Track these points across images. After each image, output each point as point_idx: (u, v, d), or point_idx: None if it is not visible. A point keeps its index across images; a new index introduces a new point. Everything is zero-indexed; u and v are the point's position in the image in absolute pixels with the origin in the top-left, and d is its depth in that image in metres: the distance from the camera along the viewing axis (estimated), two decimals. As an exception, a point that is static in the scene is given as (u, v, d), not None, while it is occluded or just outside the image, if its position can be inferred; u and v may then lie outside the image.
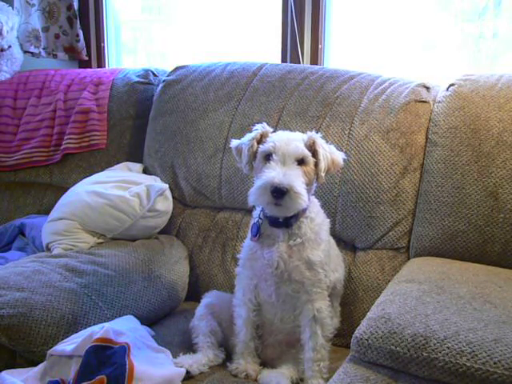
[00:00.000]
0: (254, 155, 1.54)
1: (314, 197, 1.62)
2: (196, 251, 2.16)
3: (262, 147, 1.50)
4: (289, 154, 1.45)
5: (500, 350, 1.13)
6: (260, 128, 1.56)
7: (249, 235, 1.61)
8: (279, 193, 1.39)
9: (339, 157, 1.57)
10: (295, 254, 1.53)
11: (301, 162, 1.47)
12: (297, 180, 1.42)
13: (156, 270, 1.96)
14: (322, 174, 1.50)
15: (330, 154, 1.53)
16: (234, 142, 1.61)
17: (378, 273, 1.87)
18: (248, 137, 1.57)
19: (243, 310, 1.62)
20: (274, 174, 1.41)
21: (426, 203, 1.81)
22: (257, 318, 1.63)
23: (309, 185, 1.50)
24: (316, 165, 1.50)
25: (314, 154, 1.50)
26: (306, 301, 1.54)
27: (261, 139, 1.54)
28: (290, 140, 1.48)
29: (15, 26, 2.76)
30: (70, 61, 3.04)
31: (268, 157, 1.47)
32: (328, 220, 1.66)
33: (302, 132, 1.58)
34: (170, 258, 2.05)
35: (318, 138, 1.53)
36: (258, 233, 1.57)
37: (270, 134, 1.54)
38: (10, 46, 2.74)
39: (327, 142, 1.58)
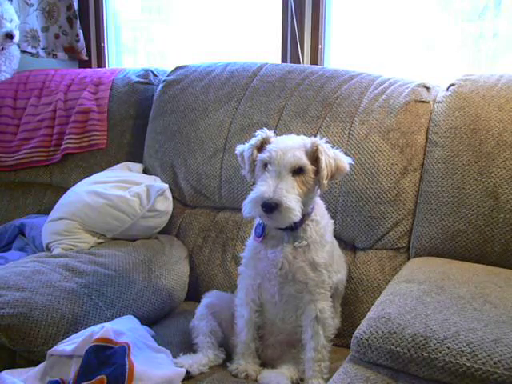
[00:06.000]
0: (254, 163, 1.52)
1: (319, 198, 1.60)
2: (196, 251, 2.16)
3: (260, 156, 1.49)
4: (284, 165, 1.42)
5: (500, 350, 1.13)
6: (261, 134, 1.54)
7: (252, 234, 1.60)
8: (269, 207, 1.38)
9: (344, 162, 1.52)
10: (300, 255, 1.53)
11: (298, 171, 1.44)
12: (288, 194, 1.39)
13: (156, 269, 1.96)
14: (325, 182, 1.46)
15: (335, 159, 1.49)
16: (239, 148, 1.60)
17: (378, 273, 1.87)
18: (249, 143, 1.55)
19: (245, 311, 1.61)
20: (264, 188, 1.39)
21: (426, 203, 1.81)
22: (258, 319, 1.62)
23: (308, 193, 1.48)
24: (317, 172, 1.47)
25: (317, 160, 1.47)
26: (308, 301, 1.54)
27: (262, 145, 1.52)
28: (288, 149, 1.44)
29: (16, 22, 2.74)
30: (69, 61, 3.04)
31: (266, 165, 1.46)
32: (332, 221, 1.67)
33: (304, 133, 1.56)
34: (170, 258, 2.05)
35: (321, 144, 1.49)
36: (262, 233, 1.55)
37: (271, 140, 1.52)
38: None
39: (332, 146, 1.53)
